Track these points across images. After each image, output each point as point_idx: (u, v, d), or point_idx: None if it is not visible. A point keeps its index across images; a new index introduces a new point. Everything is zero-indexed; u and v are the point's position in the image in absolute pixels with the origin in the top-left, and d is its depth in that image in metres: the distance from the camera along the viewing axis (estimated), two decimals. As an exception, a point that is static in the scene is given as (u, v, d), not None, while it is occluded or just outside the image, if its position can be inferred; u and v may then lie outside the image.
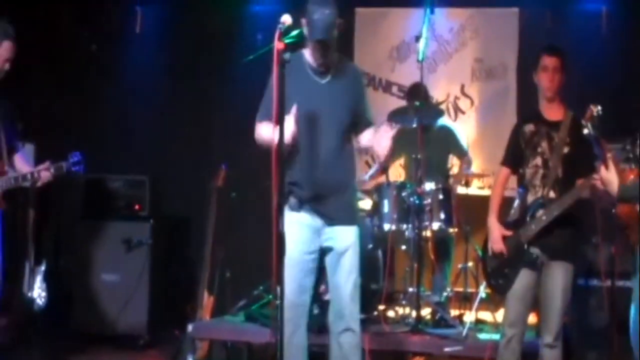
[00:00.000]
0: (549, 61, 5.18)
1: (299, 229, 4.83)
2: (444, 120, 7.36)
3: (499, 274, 5.28)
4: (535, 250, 5.11)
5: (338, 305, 4.93)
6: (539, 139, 5.20)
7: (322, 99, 4.85)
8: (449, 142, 7.22)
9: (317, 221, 4.88)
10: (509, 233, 5.21)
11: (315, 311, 5.76)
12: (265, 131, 4.75)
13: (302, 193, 4.86)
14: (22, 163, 6.04)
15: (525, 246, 5.12)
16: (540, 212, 5.10)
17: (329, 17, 4.64)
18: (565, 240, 5.10)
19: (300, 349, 4.93)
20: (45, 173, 5.86)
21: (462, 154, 7.21)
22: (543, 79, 5.19)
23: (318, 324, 5.49)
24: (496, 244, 5.24)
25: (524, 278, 5.13)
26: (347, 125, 4.91)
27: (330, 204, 4.88)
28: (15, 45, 5.81)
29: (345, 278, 4.89)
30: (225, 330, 6.57)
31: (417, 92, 6.93)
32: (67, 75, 8.43)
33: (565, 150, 5.11)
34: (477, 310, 6.51)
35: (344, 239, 4.90)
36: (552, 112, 5.20)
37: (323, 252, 4.94)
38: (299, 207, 4.86)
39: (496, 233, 5.24)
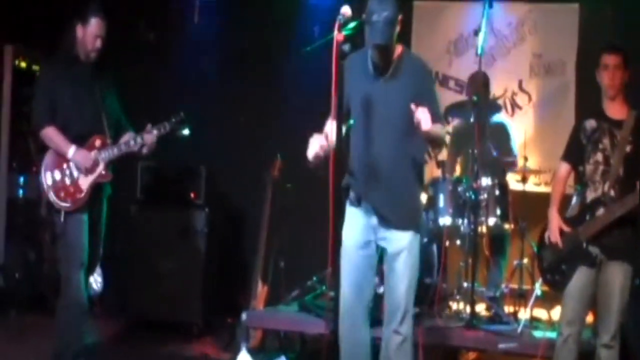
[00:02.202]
0: (609, 59, 5.13)
1: (355, 223, 4.84)
2: (500, 117, 7.31)
3: (555, 269, 5.24)
4: (594, 249, 5.06)
5: (391, 306, 4.90)
6: (601, 135, 5.14)
7: (378, 97, 4.77)
8: (502, 139, 7.15)
9: (372, 219, 4.86)
10: (567, 229, 5.17)
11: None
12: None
13: (359, 189, 4.85)
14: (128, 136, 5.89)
15: (584, 245, 5.07)
16: (600, 211, 5.06)
17: (388, 18, 4.53)
18: (625, 240, 5.04)
19: (360, 344, 4.92)
20: (149, 135, 5.75)
21: (510, 153, 7.14)
22: (604, 77, 5.14)
23: (372, 317, 5.49)
24: (553, 234, 5.20)
25: (581, 276, 5.08)
26: (404, 124, 4.69)
27: (386, 205, 4.82)
28: (105, 23, 5.71)
29: (398, 281, 4.85)
30: (279, 320, 6.59)
31: (476, 81, 6.89)
32: (125, 65, 8.49)
33: (628, 149, 5.06)
34: (532, 307, 6.44)
35: (397, 242, 4.84)
36: (615, 110, 5.15)
37: (380, 250, 4.93)
38: (357, 202, 4.86)
39: (555, 223, 5.21)
